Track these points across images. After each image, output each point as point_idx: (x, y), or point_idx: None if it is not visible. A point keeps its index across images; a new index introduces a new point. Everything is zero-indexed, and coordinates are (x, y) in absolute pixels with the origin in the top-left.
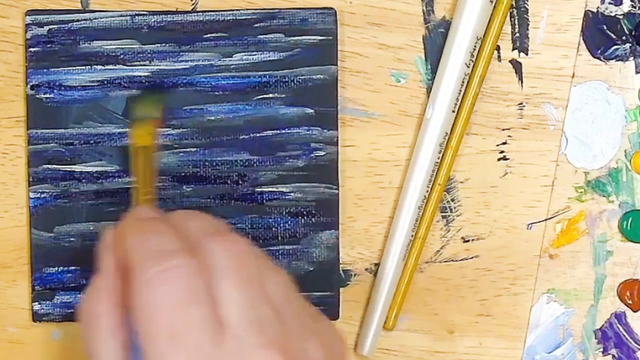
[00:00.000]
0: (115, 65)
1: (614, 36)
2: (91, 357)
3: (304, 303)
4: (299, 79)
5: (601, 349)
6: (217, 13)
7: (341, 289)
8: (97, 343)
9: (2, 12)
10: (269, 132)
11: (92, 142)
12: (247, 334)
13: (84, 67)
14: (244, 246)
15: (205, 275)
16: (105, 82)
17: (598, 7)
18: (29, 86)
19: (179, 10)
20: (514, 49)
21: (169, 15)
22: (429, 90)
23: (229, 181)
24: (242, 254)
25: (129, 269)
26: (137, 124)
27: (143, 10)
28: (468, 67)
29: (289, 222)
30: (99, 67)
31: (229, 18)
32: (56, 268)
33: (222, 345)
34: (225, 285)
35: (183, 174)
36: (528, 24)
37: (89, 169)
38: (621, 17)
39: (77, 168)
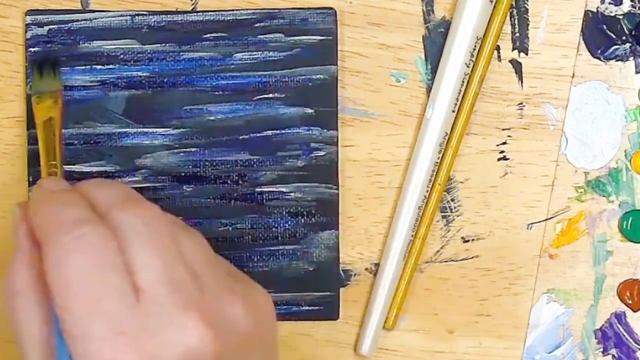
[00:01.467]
0: (115, 65)
1: (614, 36)
2: (16, 333)
3: (224, 264)
4: (299, 79)
5: (601, 349)
6: (217, 13)
7: (341, 289)
8: (19, 318)
9: (2, 12)
10: (269, 132)
11: (92, 142)
12: (163, 296)
13: (84, 67)
14: (155, 212)
15: (116, 243)
16: (105, 82)
17: (598, 7)
18: (29, 86)
19: (179, 10)
20: (514, 49)
21: (169, 15)
22: (429, 90)
23: (229, 181)
24: (152, 219)
25: (40, 242)
26: (38, 98)
27: (143, 10)
28: (468, 67)
29: (289, 222)
30: (99, 67)
31: (229, 18)
32: None
33: (139, 309)
34: (137, 250)
35: (183, 174)
36: (528, 24)
37: (89, 169)
38: (621, 17)
39: (77, 168)
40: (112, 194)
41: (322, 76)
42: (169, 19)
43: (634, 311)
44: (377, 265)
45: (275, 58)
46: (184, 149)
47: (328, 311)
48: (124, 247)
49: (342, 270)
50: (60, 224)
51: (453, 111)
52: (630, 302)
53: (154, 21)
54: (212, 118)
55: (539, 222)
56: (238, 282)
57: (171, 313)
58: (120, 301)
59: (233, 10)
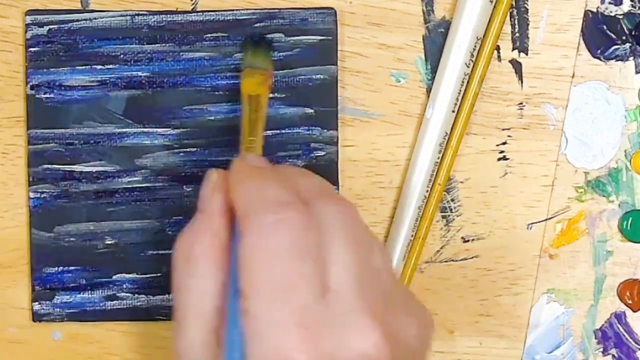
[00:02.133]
0: (115, 65)
1: (614, 36)
2: (179, 299)
3: (401, 283)
4: (299, 79)
5: (601, 349)
6: (217, 13)
7: None
8: (189, 285)
9: (2, 12)
10: (269, 132)
11: (92, 142)
12: (351, 297)
13: (84, 67)
14: (355, 212)
15: (316, 233)
16: (105, 82)
17: (598, 7)
18: (29, 86)
19: (179, 10)
20: (514, 49)
21: (169, 15)
22: (429, 90)
23: None
24: (353, 218)
25: (237, 215)
26: (249, 72)
27: (143, 10)
28: (468, 67)
29: None
30: (99, 67)
31: (229, 18)
32: (56, 268)
33: (324, 303)
34: (335, 245)
35: (183, 174)
36: (528, 24)
37: (89, 169)
38: (621, 17)
39: (77, 168)
40: (315, 184)
41: (322, 76)
42: (169, 19)
43: (634, 311)
44: None
45: (275, 58)
46: (184, 149)
47: None
48: (322, 239)
49: None
50: (266, 201)
51: (453, 111)
52: (630, 302)
53: (154, 21)
54: (212, 118)
55: (539, 222)
56: (413, 301)
57: (355, 316)
58: (309, 291)
59: (233, 10)
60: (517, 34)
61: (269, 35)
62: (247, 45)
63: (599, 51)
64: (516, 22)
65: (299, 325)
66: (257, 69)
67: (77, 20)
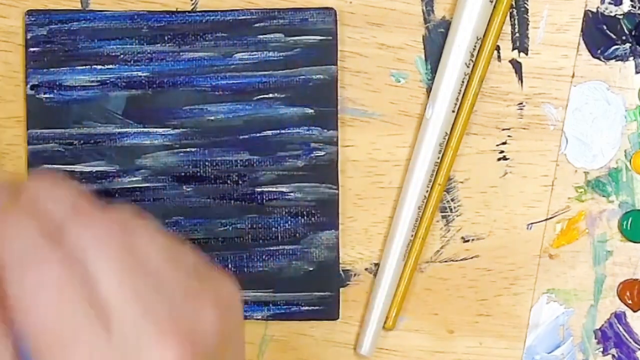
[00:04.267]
0: (115, 65)
1: (614, 36)
2: None
3: (184, 255)
4: (299, 79)
5: (601, 349)
6: (217, 13)
7: (341, 289)
8: None
9: (2, 12)
10: (269, 132)
11: (92, 142)
12: (134, 320)
13: (84, 67)
14: (107, 220)
15: (76, 263)
16: (105, 82)
17: (598, 7)
18: (29, 86)
19: (179, 10)
20: (514, 49)
21: (169, 15)
22: (429, 90)
23: (229, 181)
24: (106, 228)
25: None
26: None
27: (143, 10)
28: (468, 67)
29: (289, 222)
30: (99, 67)
31: (229, 18)
32: None
33: (113, 340)
34: (97, 268)
35: (183, 174)
36: (528, 24)
37: (89, 169)
38: (621, 17)
39: (77, 168)
40: (61, 200)
41: (322, 76)
42: (169, 19)
43: (634, 311)
44: (377, 265)
45: (275, 58)
46: (184, 149)
47: (328, 311)
48: (85, 267)
49: (342, 270)
50: (18, 255)
51: (453, 111)
52: (630, 302)
53: (154, 21)
54: (212, 118)
55: (539, 222)
56: (202, 278)
57: (145, 336)
58: (94, 331)
59: (233, 10)
60: (517, 34)
61: (269, 36)
62: None
63: (599, 51)
64: (516, 22)
65: None
66: None
67: (77, 20)
